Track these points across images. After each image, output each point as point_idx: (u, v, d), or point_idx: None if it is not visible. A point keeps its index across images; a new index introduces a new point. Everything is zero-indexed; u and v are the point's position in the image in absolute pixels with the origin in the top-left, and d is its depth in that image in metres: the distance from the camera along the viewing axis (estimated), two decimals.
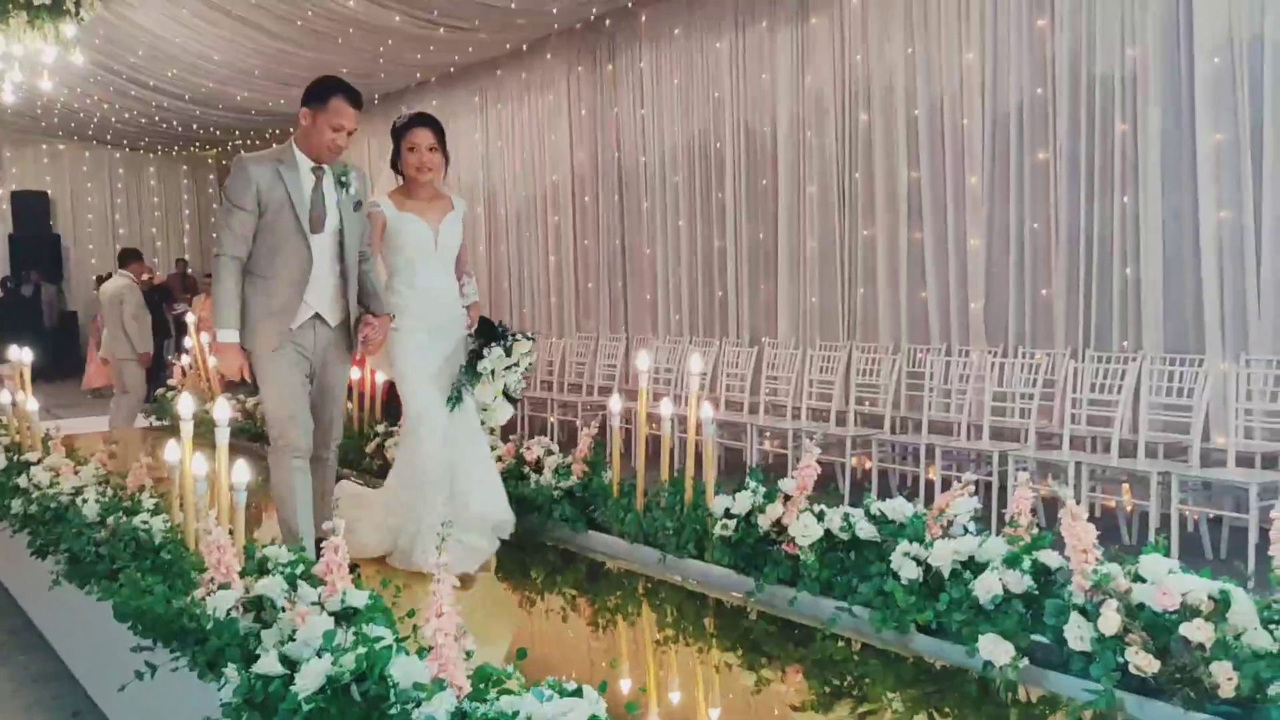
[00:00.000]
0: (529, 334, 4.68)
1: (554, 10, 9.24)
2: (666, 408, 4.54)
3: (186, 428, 3.69)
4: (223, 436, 3.52)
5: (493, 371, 4.53)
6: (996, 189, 7.08)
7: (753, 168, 8.84)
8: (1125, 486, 5.68)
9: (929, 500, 3.73)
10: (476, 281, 4.88)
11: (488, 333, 4.60)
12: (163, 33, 10.71)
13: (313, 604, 2.81)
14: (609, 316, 10.46)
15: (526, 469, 5.08)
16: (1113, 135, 6.41)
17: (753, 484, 4.03)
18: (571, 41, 10.29)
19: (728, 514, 4.01)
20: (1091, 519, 5.43)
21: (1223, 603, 2.69)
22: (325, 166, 4.07)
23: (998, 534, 3.38)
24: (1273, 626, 2.64)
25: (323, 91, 4.05)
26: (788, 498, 3.87)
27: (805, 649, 3.36)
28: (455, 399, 4.51)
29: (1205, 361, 5.69)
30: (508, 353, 4.54)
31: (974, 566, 3.23)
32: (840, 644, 3.38)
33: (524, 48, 10.96)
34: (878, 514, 3.66)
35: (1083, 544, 2.95)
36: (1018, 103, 6.90)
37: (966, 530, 3.47)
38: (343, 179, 4.09)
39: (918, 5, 7.49)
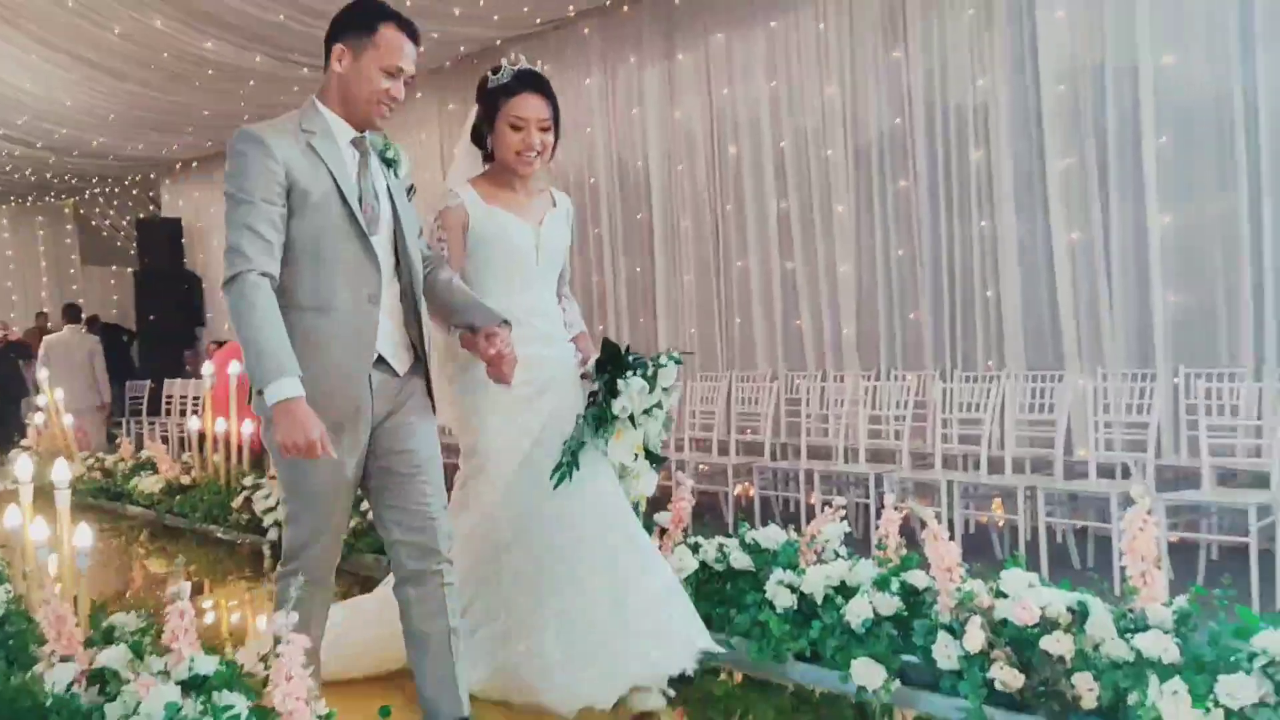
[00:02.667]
0: (673, 353, 3.31)
1: (421, 49, 9.15)
2: None
3: (26, 491, 3.47)
4: (63, 500, 3.33)
5: (631, 416, 3.15)
6: (862, 217, 7.25)
7: (627, 202, 8.89)
8: (996, 502, 5.82)
9: (809, 525, 3.75)
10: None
11: (616, 360, 3.20)
12: (11, 79, 10.26)
13: (159, 673, 2.65)
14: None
15: None
16: (969, 162, 6.64)
17: None
18: (441, 79, 10.22)
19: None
20: (966, 535, 5.60)
21: (1081, 614, 2.75)
22: (366, 135, 2.74)
23: (874, 557, 3.42)
24: (1129, 636, 2.71)
25: (367, 16, 2.68)
26: (664, 531, 3.85)
27: (686, 686, 3.31)
28: (568, 466, 3.10)
29: (1064, 377, 5.89)
30: (651, 384, 3.17)
31: (846, 591, 3.26)
32: (720, 677, 3.36)
33: None
34: (752, 543, 3.65)
35: (947, 563, 2.99)
36: (878, 133, 7.09)
37: (838, 555, 3.49)
38: (388, 154, 2.81)
39: (779, 40, 7.67)
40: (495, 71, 3.17)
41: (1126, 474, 5.24)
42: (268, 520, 5.92)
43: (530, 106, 3.12)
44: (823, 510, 3.74)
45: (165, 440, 10.23)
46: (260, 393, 2.47)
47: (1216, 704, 2.42)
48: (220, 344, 11.55)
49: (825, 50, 7.36)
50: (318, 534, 2.70)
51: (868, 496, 5.95)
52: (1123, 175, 5.94)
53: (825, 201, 7.41)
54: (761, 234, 7.87)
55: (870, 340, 7.25)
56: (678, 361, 3.24)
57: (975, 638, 2.80)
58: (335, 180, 2.60)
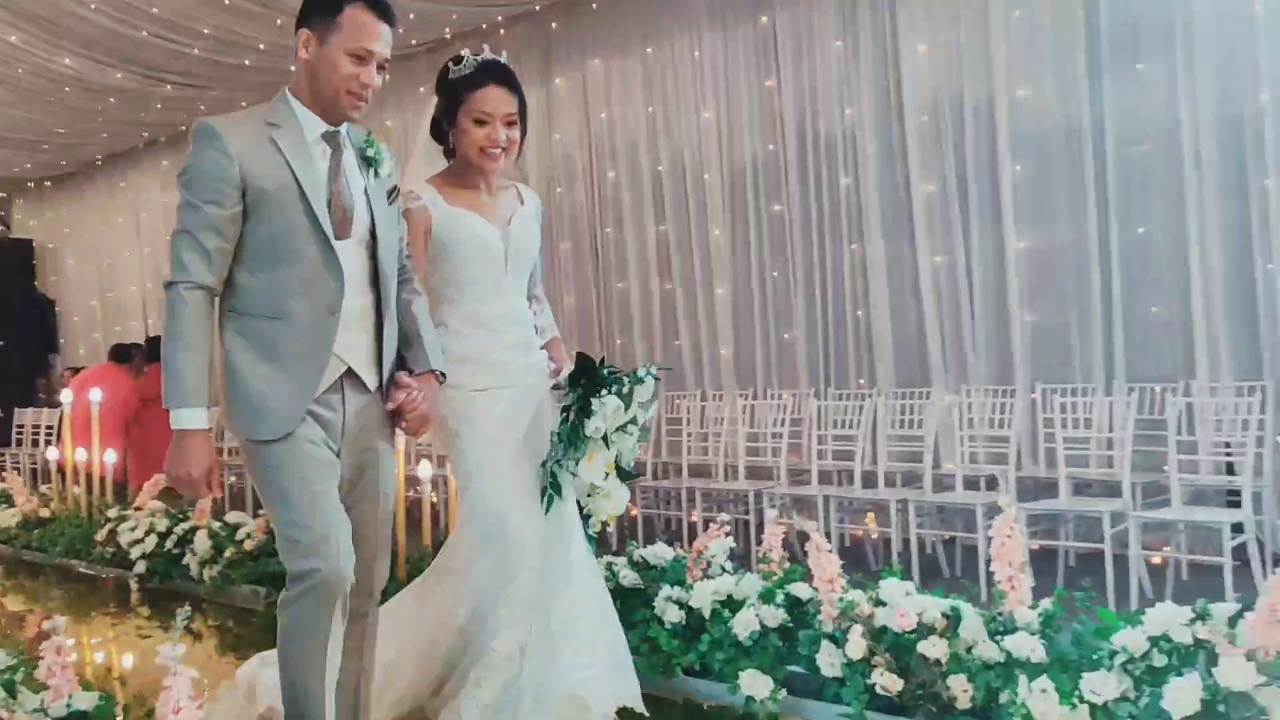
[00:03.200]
0: (651, 369, 3.05)
1: (291, 68, 8.98)
2: (425, 470, 4.44)
3: None
4: None
5: (605, 435, 2.96)
6: (738, 240, 7.44)
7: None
8: (870, 515, 6.02)
9: (692, 542, 3.82)
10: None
11: (591, 376, 2.97)
12: None
13: (35, 711, 2.54)
14: None
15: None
16: (839, 188, 6.89)
17: None
18: None
19: None
20: (842, 548, 5.77)
21: (954, 619, 2.89)
22: (342, 130, 2.51)
23: (756, 571, 3.50)
24: (1000, 638, 2.86)
25: None
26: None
27: None
28: (553, 491, 2.91)
29: (931, 394, 6.15)
30: (626, 402, 2.96)
31: (733, 605, 3.33)
32: None
33: None
34: (640, 561, 3.70)
35: (828, 574, 3.10)
36: (752, 158, 7.29)
37: (724, 570, 3.57)
38: (369, 153, 2.56)
39: (655, 66, 7.82)
40: (457, 62, 2.95)
41: (991, 485, 5.49)
42: (135, 553, 5.69)
43: (495, 100, 2.91)
44: (705, 528, 3.82)
45: (18, 471, 9.71)
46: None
47: (1082, 700, 2.57)
48: (75, 370, 11.06)
49: (700, 77, 7.54)
50: (324, 536, 2.37)
51: (748, 513, 6.08)
52: (982, 201, 6.25)
53: (702, 225, 7.58)
54: (640, 256, 7.99)
55: (747, 360, 7.43)
56: (655, 377, 3.03)
57: (857, 645, 2.91)
58: (297, 178, 2.39)
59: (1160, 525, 4.93)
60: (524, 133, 2.97)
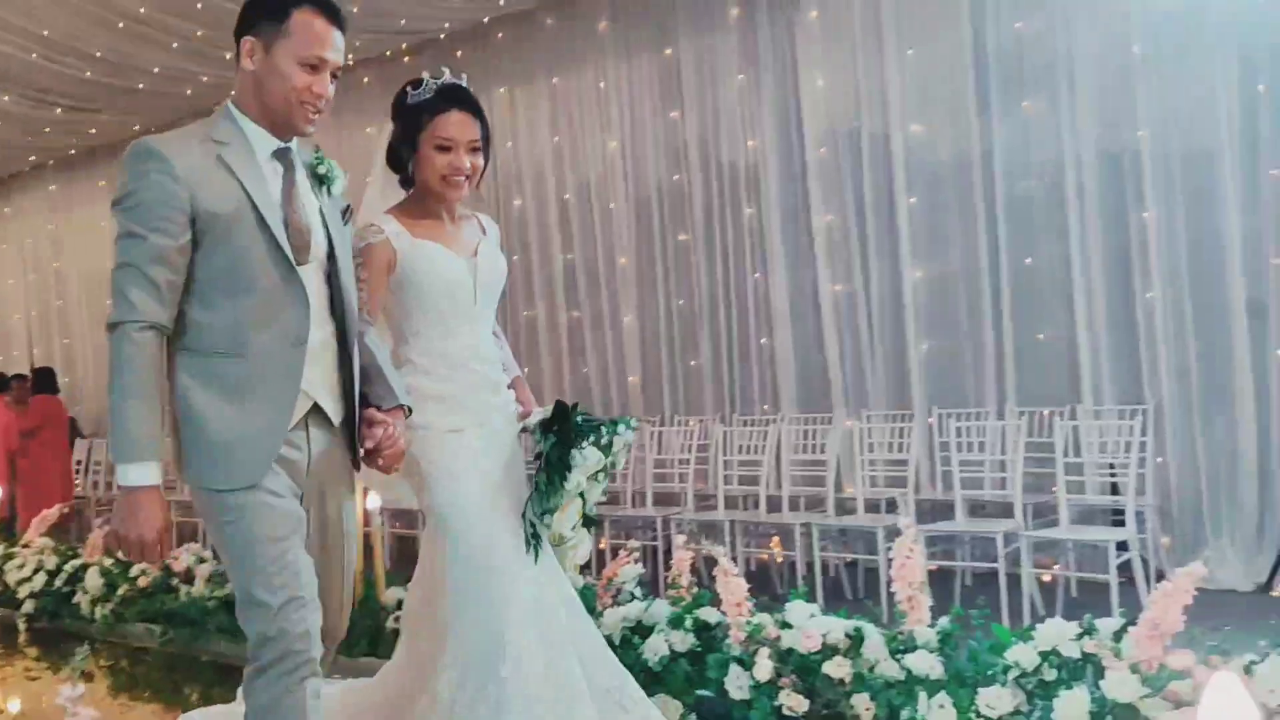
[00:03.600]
0: (630, 421, 2.88)
1: (187, 91, 8.81)
2: (374, 501, 4.38)
3: None
4: None
5: (582, 492, 2.81)
6: (644, 269, 7.52)
7: None
8: (775, 539, 6.12)
9: (601, 570, 3.85)
10: None
11: (564, 423, 2.78)
12: None
13: None
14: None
15: (175, 580, 4.71)
16: (742, 217, 7.03)
17: None
18: None
19: (400, 606, 3.92)
20: (748, 572, 5.85)
21: (857, 639, 2.97)
22: (292, 146, 2.33)
23: (665, 597, 3.55)
24: (900, 656, 2.95)
25: (279, 1, 2.27)
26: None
27: None
28: (535, 541, 2.72)
29: (833, 419, 6.30)
30: (606, 454, 2.80)
31: (643, 630, 3.36)
32: None
33: (152, 130, 10.35)
34: None
35: (736, 598, 3.16)
36: (657, 187, 7.40)
37: (634, 596, 3.61)
38: (320, 170, 2.39)
39: (561, 96, 7.89)
40: (415, 86, 2.78)
41: (891, 508, 5.63)
42: (22, 592, 5.48)
43: (459, 125, 2.74)
44: (614, 555, 3.85)
45: None
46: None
47: (979, 715, 2.67)
48: None
49: (606, 107, 7.63)
50: (295, 598, 2.16)
51: (656, 539, 6.13)
52: (879, 232, 6.45)
53: (609, 252, 7.65)
54: (548, 285, 8.02)
55: (654, 388, 7.50)
56: (632, 429, 2.86)
57: (764, 668, 2.97)
58: (252, 199, 2.19)
59: (1050, 544, 5.13)
60: (487, 159, 2.83)
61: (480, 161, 2.79)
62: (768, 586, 5.76)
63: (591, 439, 2.74)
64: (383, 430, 2.40)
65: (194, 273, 2.18)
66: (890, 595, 3.21)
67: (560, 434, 2.76)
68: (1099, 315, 5.71)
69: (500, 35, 8.09)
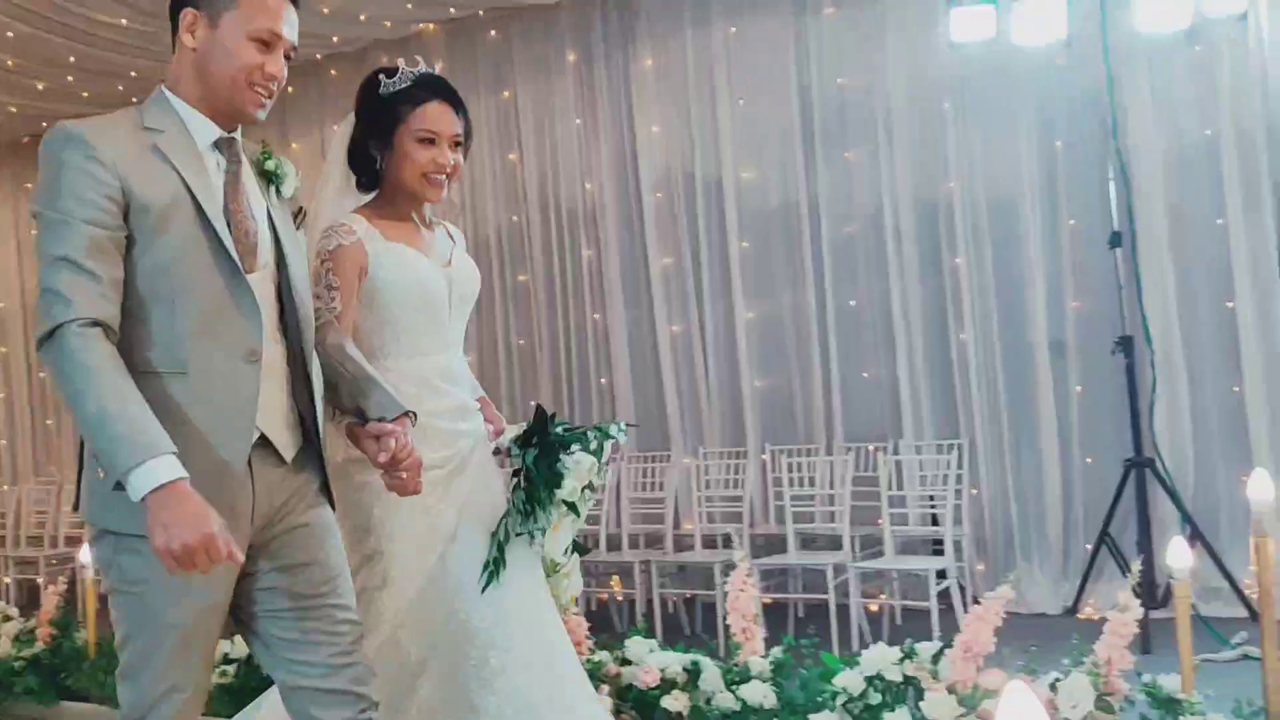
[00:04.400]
0: (620, 424, 2.59)
1: (119, 88, 8.08)
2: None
3: None
4: None
5: (574, 504, 2.47)
6: (483, 308, 7.50)
7: None
8: (615, 578, 6.17)
9: None
10: None
11: (543, 433, 2.48)
12: None
13: None
14: (74, 460, 9.40)
15: None
16: (581, 258, 7.12)
17: None
18: (18, 155, 9.34)
19: (226, 659, 3.78)
20: (589, 612, 5.87)
21: (694, 673, 3.04)
22: (237, 137, 2.03)
23: None
24: (736, 687, 3.03)
25: None
26: None
27: None
28: (495, 564, 2.37)
29: (671, 457, 6.41)
30: (598, 457, 2.49)
31: None
32: None
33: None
34: None
35: (576, 637, 3.18)
36: (496, 228, 7.41)
37: None
38: (268, 166, 2.08)
39: None
40: (389, 75, 2.48)
41: (727, 543, 5.76)
42: None
43: (442, 117, 2.45)
44: None
45: None
46: (120, 486, 1.72)
47: None
48: None
49: None
50: (173, 689, 1.87)
51: None
52: (713, 274, 6.64)
53: None
54: None
55: None
56: (623, 432, 2.58)
57: (604, 704, 2.99)
58: (192, 194, 1.89)
59: (876, 574, 5.35)
60: (465, 159, 2.55)
61: (462, 159, 2.51)
62: (608, 625, 5.79)
63: (579, 445, 2.45)
64: (395, 440, 2.03)
65: (127, 278, 1.85)
66: (726, 629, 3.30)
67: (542, 445, 2.45)
68: (918, 354, 6.02)
69: (333, 72, 7.98)
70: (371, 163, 2.48)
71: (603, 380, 7.05)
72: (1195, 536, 4.95)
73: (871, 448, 5.95)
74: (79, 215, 1.80)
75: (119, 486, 1.73)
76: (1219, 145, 5.28)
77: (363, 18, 6.96)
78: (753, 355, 6.50)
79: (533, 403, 7.31)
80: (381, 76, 2.48)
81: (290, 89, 7.88)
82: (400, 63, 2.50)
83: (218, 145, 1.98)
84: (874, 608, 5.39)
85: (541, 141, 7.23)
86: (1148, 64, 5.40)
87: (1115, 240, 5.18)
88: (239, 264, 1.91)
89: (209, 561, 1.71)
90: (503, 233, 7.40)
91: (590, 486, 2.48)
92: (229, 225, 1.93)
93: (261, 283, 1.96)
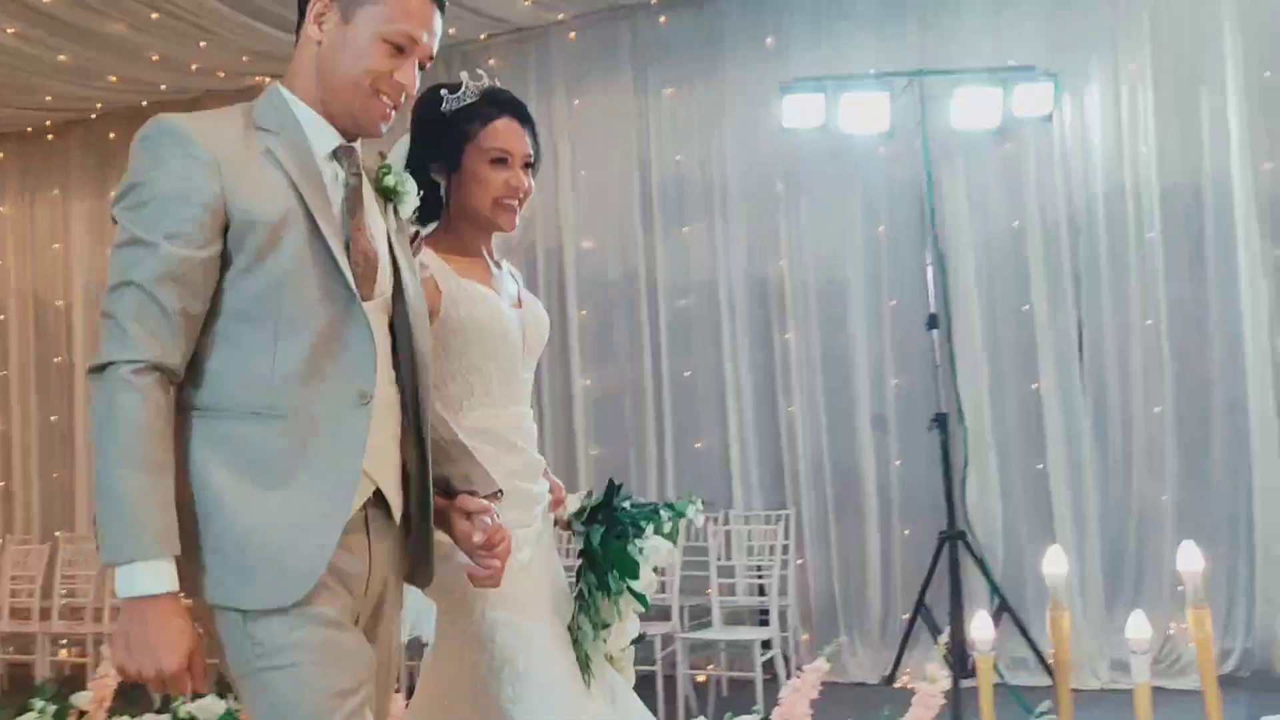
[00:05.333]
0: (696, 499, 2.34)
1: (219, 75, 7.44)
2: None
3: None
4: None
5: (644, 596, 2.19)
6: None
7: (44, 345, 8.06)
8: None
9: None
10: None
11: (608, 509, 2.22)
12: None
13: None
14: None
15: None
16: None
17: (40, 704, 3.55)
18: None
19: None
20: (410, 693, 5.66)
21: None
22: (357, 147, 1.77)
23: None
24: None
25: None
26: (83, 714, 3.47)
27: None
28: (586, 663, 2.12)
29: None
30: (672, 540, 2.25)
31: None
32: None
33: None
34: (187, 716, 3.43)
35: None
36: None
37: None
38: (385, 182, 1.83)
39: None
40: (452, 90, 2.19)
41: None
42: None
43: (514, 136, 2.18)
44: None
45: None
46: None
47: None
48: None
49: None
50: None
51: None
52: (552, 342, 6.56)
53: None
54: None
55: None
56: (699, 510, 2.34)
57: None
58: (307, 208, 1.61)
59: (705, 645, 5.37)
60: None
61: (532, 183, 2.22)
62: None
63: (651, 525, 2.21)
64: (490, 519, 1.78)
65: (217, 302, 1.59)
66: None
67: (609, 523, 2.20)
68: (749, 425, 6.15)
69: (50, 137, 7.76)
70: (433, 189, 2.16)
71: None
72: (1003, 608, 5.17)
73: (703, 517, 5.99)
74: (162, 229, 1.53)
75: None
76: (1025, 236, 5.64)
77: (194, 68, 6.75)
78: (590, 423, 6.50)
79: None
80: (443, 91, 2.19)
81: (112, 135, 7.56)
82: (463, 76, 2.20)
83: (336, 155, 1.71)
84: (701, 678, 5.39)
85: None
86: (963, 158, 5.74)
87: (932, 322, 5.44)
88: (355, 291, 1.63)
89: (166, 687, 1.53)
90: None
91: (657, 570, 2.26)
92: (347, 247, 1.66)
93: (375, 314, 1.69)
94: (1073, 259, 5.58)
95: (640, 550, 2.16)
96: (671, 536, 2.24)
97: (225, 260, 1.59)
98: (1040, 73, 5.31)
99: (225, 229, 1.58)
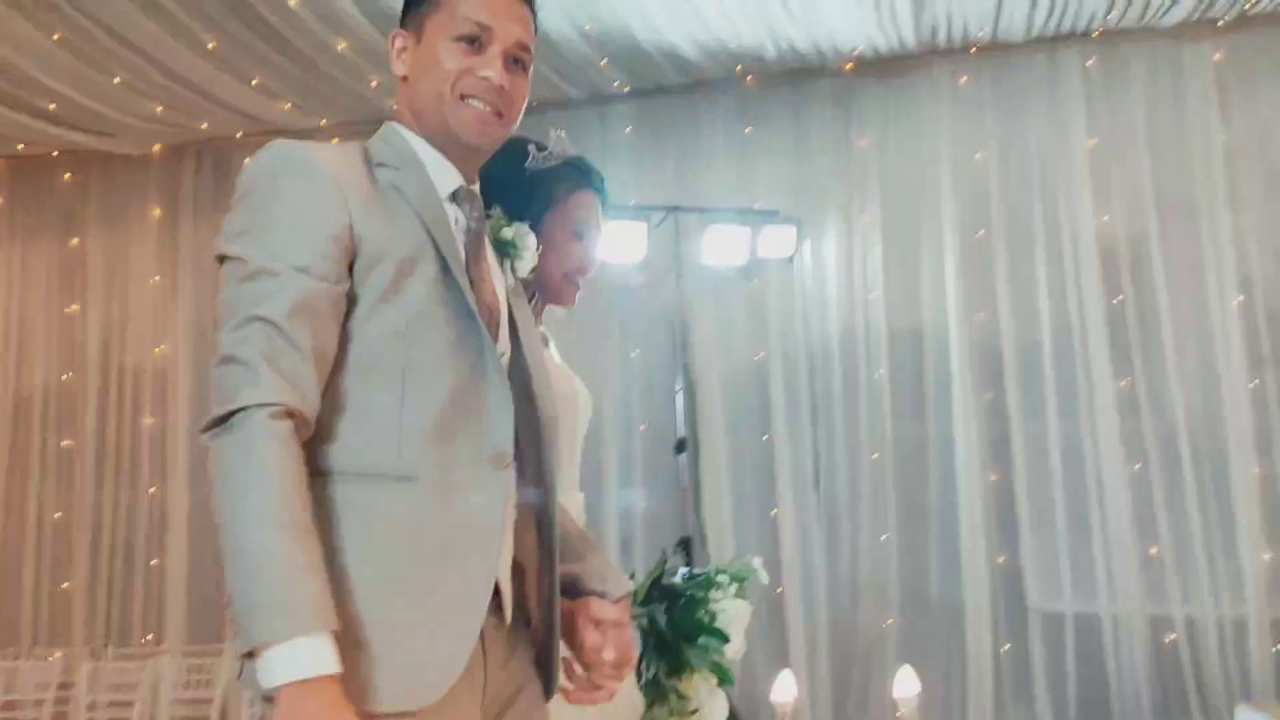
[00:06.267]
0: (755, 561, 2.18)
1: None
2: None
3: None
4: None
5: (727, 669, 2.05)
6: (17, 473, 6.59)
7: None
8: None
9: None
10: None
11: (661, 583, 2.01)
12: None
13: None
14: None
15: None
16: (142, 426, 6.50)
17: None
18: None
19: None
20: None
21: None
22: (477, 191, 1.57)
23: None
24: None
25: None
26: None
27: None
28: None
29: (225, 650, 5.84)
30: (743, 596, 2.09)
31: None
32: None
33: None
34: None
35: None
36: (44, 386, 6.63)
37: None
38: (504, 234, 1.63)
39: None
40: (540, 147, 1.98)
41: None
42: None
43: (595, 212, 2.02)
44: None
45: None
46: (250, 654, 1.23)
47: None
48: None
49: None
50: None
51: None
52: None
53: None
54: None
55: (12, 613, 6.45)
56: (760, 573, 2.17)
57: None
58: (438, 247, 1.42)
59: None
60: None
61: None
62: None
63: (716, 590, 2.01)
64: (619, 632, 1.52)
65: (342, 345, 1.36)
66: None
67: (667, 598, 1.99)
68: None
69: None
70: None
71: (154, 562, 6.36)
72: None
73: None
74: (292, 260, 1.32)
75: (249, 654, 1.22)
76: (768, 367, 5.93)
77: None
78: None
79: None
80: (532, 147, 1.98)
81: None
82: (552, 133, 2.01)
83: (456, 197, 1.53)
84: None
85: (110, 295, 6.65)
86: (712, 292, 6.01)
87: (680, 447, 5.58)
88: (492, 341, 1.43)
89: None
90: (50, 393, 6.62)
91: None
92: (477, 293, 1.46)
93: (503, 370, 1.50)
94: (810, 392, 5.90)
95: (715, 617, 2.02)
96: (742, 594, 2.12)
97: (350, 301, 1.39)
98: (783, 217, 5.68)
99: (351, 265, 1.38)
